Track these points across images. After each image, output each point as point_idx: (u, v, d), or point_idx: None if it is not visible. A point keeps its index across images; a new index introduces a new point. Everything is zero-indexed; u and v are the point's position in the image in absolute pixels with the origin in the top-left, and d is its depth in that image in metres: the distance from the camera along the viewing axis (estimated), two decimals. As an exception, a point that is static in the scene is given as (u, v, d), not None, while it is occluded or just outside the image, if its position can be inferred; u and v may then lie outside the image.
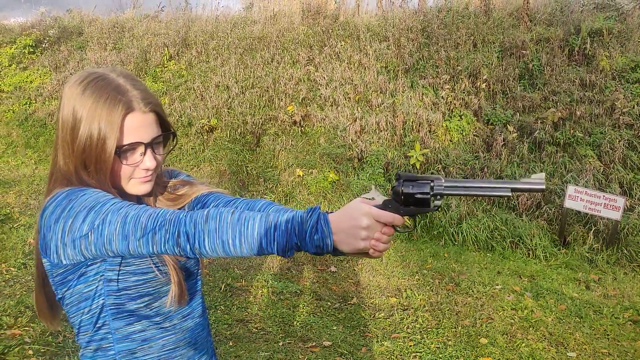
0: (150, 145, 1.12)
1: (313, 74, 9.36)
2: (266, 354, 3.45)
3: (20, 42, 12.17)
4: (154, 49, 10.80)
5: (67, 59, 11.45)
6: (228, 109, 9.15)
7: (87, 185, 1.09)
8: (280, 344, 3.62)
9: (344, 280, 4.95)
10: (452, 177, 6.99)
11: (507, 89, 8.29)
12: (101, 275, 1.09)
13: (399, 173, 1.09)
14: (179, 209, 1.28)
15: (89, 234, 0.99)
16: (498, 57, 8.72)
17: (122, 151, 1.09)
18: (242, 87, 9.48)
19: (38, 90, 10.87)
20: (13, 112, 10.72)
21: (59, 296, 1.13)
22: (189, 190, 1.30)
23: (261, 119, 8.83)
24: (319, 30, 10.25)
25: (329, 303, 4.41)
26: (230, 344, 3.56)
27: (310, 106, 8.80)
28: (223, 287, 4.48)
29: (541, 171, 6.94)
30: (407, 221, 1.12)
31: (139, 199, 1.22)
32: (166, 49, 10.65)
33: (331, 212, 1.01)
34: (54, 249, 1.05)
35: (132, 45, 11.18)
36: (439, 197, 1.06)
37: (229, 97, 9.31)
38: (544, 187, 1.02)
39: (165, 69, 10.40)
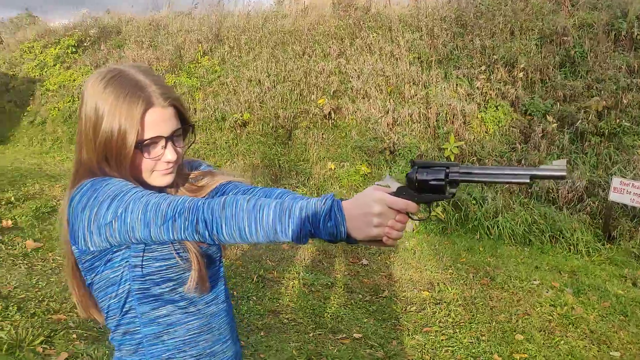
0: (171, 138, 1.15)
1: (344, 66, 9.28)
2: (296, 344, 3.43)
3: (63, 42, 12.59)
4: (187, 46, 10.94)
5: (106, 57, 11.75)
6: (260, 103, 9.18)
7: (110, 176, 1.12)
8: (311, 334, 3.59)
9: (376, 273, 4.88)
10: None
11: (547, 77, 7.99)
12: (126, 262, 1.12)
13: (413, 160, 1.07)
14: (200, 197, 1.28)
15: (113, 221, 1.02)
16: (537, 45, 8.42)
17: (143, 145, 1.11)
18: (274, 81, 9.49)
19: (80, 88, 11.20)
20: (58, 110, 11.12)
21: (89, 282, 1.17)
22: (210, 180, 1.32)
23: (293, 112, 8.82)
24: (350, 23, 10.15)
25: (360, 296, 4.35)
26: (262, 334, 3.56)
27: (341, 99, 8.74)
28: (255, 278, 4.49)
29: (583, 163, 6.68)
30: (422, 211, 1.09)
31: (160, 189, 1.23)
32: (200, 45, 10.78)
33: (345, 200, 1.00)
34: (81, 237, 1.08)
35: (167, 42, 11.37)
36: (454, 184, 1.02)
37: (261, 91, 9.34)
38: (565, 173, 0.95)
39: (199, 64, 10.53)
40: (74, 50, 12.34)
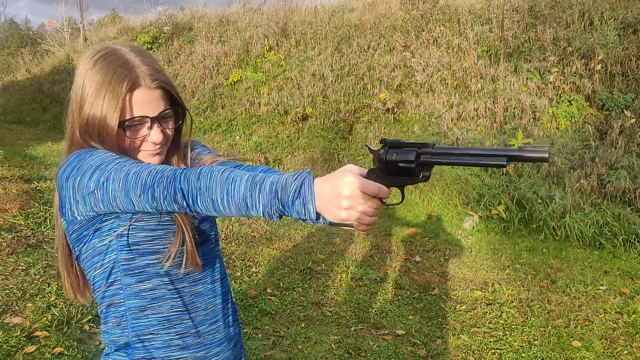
0: (157, 119, 1.14)
1: (409, 60, 9.10)
2: (336, 337, 3.42)
3: (140, 39, 13.27)
4: (255, 41, 11.18)
5: (178, 53, 12.27)
6: (323, 97, 9.22)
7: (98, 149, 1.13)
8: (352, 329, 3.57)
9: (428, 271, 4.77)
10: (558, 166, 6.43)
11: (628, 70, 7.41)
12: (114, 231, 1.12)
13: (384, 138, 0.98)
14: None
15: (96, 190, 1.03)
16: (619, 35, 7.82)
17: (126, 126, 1.11)
18: (338, 76, 9.49)
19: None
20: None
21: (77, 254, 1.18)
22: (205, 162, 1.30)
23: (355, 106, 8.78)
24: (417, 15, 9.93)
25: (408, 292, 4.27)
26: (303, 325, 3.58)
27: (405, 93, 8.58)
28: (303, 269, 4.53)
29: (664, 162, 6.14)
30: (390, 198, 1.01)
31: None
32: (266, 39, 10.97)
33: (319, 177, 0.94)
34: (67, 207, 1.10)
35: (235, 37, 11.68)
36: (427, 166, 0.93)
37: (325, 85, 9.38)
38: (546, 155, 0.85)
39: (265, 59, 10.73)
40: (149, 46, 12.98)
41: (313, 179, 0.93)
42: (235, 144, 9.26)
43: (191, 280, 1.21)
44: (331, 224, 0.97)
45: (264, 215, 0.93)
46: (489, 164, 0.90)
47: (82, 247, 1.15)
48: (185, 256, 1.15)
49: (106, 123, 1.09)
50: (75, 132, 1.16)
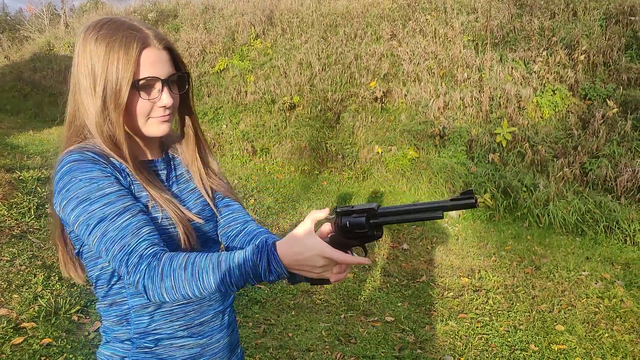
0: (167, 82, 1.11)
1: (396, 49, 9.11)
2: (326, 324, 3.47)
3: (123, 26, 13.06)
4: (241, 29, 11.09)
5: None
6: (310, 86, 9.20)
7: (102, 137, 1.09)
8: (342, 316, 3.62)
9: (416, 258, 4.83)
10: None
11: (610, 60, 7.52)
12: None
13: (336, 207, 1.08)
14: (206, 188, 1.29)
15: (75, 226, 1.04)
16: (601, 26, 7.92)
17: (140, 86, 1.08)
18: (325, 64, 9.47)
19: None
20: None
21: (77, 250, 1.16)
22: (221, 186, 1.33)
23: (342, 95, 8.79)
24: (404, 4, 9.94)
25: (397, 279, 4.32)
26: (293, 313, 3.62)
27: (392, 82, 8.60)
28: (292, 258, 4.55)
29: (645, 150, 6.26)
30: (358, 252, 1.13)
31: (164, 159, 1.24)
32: (252, 27, 10.89)
33: (280, 240, 1.01)
34: (60, 212, 1.08)
35: (221, 25, 11.56)
36: (378, 226, 1.03)
37: (312, 74, 9.35)
38: (473, 201, 0.94)
39: (252, 47, 10.65)
40: (133, 34, 12.80)
41: (276, 250, 0.99)
42: (222, 133, 9.21)
43: None
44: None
45: (239, 289, 1.03)
46: (428, 217, 0.99)
47: (83, 247, 1.14)
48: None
49: (122, 84, 1.05)
50: (77, 115, 1.12)
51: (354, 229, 1.03)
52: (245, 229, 1.29)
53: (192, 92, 1.26)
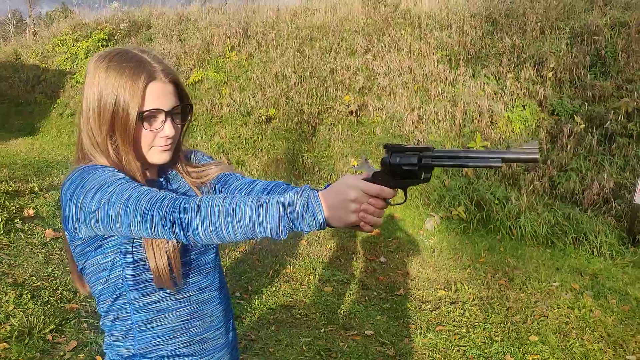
0: (170, 114, 1.17)
1: (371, 63, 9.25)
2: (307, 339, 3.48)
3: (95, 36, 12.90)
4: (216, 40, 11.07)
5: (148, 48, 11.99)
6: (286, 98, 9.25)
7: (108, 159, 1.15)
8: (322, 330, 3.64)
9: (393, 271, 4.89)
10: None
11: (576, 77, 7.81)
12: (117, 248, 1.13)
13: (387, 143, 1.06)
14: (202, 184, 1.32)
15: (97, 212, 1.04)
16: (567, 44, 8.23)
17: (144, 117, 1.13)
18: (300, 77, 9.54)
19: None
20: (87, 102, 11.39)
21: (80, 267, 1.20)
22: (211, 168, 1.35)
23: (318, 108, 8.86)
24: (379, 19, 10.11)
25: (375, 293, 4.37)
26: (273, 328, 3.62)
27: (367, 96, 8.73)
28: (271, 273, 4.56)
29: (610, 165, 6.52)
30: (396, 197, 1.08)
31: (162, 172, 1.27)
32: (228, 40, 10.90)
33: (321, 190, 1.01)
34: (71, 223, 1.11)
35: (195, 36, 11.53)
36: (428, 168, 1.02)
37: (287, 87, 9.41)
38: (537, 156, 0.94)
39: (227, 59, 10.65)
40: (104, 43, 12.64)
41: (317, 192, 0.99)
42: (197, 145, 9.15)
43: (197, 289, 1.24)
44: (337, 227, 1.03)
45: (271, 235, 0.97)
46: (485, 165, 0.97)
47: (86, 262, 1.17)
48: (156, 275, 1.16)
49: (128, 113, 1.11)
50: (85, 140, 1.17)
51: (404, 165, 1.00)
52: (255, 189, 1.27)
53: (191, 120, 1.31)
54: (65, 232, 1.17)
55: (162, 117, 1.16)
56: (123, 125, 1.12)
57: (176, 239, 1.00)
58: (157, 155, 1.19)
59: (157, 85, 1.14)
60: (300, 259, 4.99)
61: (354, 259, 5.09)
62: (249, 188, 1.26)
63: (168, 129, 1.17)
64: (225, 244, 3.72)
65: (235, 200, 0.98)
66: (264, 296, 4.10)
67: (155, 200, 1.00)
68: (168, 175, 1.31)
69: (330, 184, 1.03)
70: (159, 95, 1.14)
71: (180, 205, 0.99)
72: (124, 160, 1.14)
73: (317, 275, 4.58)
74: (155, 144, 1.18)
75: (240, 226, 0.97)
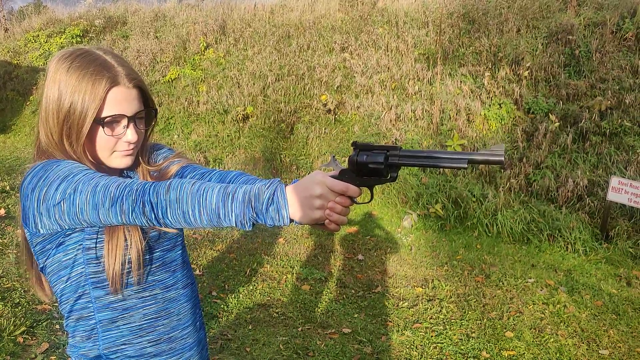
0: (133, 119, 1.14)
1: (349, 61, 9.25)
2: (284, 338, 3.45)
3: (69, 32, 12.61)
4: (193, 37, 10.94)
5: (111, 48, 11.77)
6: (264, 96, 9.18)
7: (68, 158, 1.11)
8: (300, 329, 3.61)
9: (371, 269, 4.89)
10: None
11: (551, 76, 7.92)
12: (80, 244, 1.10)
13: (355, 142, 1.04)
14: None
15: (62, 202, 1.01)
16: (543, 44, 8.34)
17: (104, 123, 1.10)
18: (278, 75, 9.48)
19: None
20: (60, 100, 11.14)
21: (41, 265, 1.16)
22: (171, 164, 1.31)
23: (295, 106, 8.82)
24: (357, 17, 10.11)
25: (352, 291, 4.36)
26: (250, 327, 3.58)
27: (345, 94, 8.72)
28: (248, 271, 4.51)
29: (584, 162, 6.63)
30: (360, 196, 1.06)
31: (121, 172, 1.24)
32: (204, 37, 10.77)
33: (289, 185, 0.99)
34: (31, 219, 1.07)
35: (171, 33, 11.37)
36: (394, 167, 1.00)
37: (265, 85, 9.34)
38: (502, 158, 0.93)
39: (204, 57, 10.53)
40: (79, 40, 12.37)
41: (285, 186, 0.97)
42: (174, 143, 9.03)
43: (163, 287, 1.21)
44: (302, 223, 1.01)
45: (236, 225, 0.95)
46: (451, 166, 0.96)
47: (47, 260, 1.13)
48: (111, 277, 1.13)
49: (84, 118, 1.08)
50: (43, 137, 1.14)
51: (370, 164, 0.99)
52: (212, 180, 1.24)
53: (155, 125, 1.28)
54: (25, 230, 1.14)
55: (124, 122, 1.14)
56: (77, 129, 1.09)
57: (147, 223, 0.98)
58: (118, 159, 1.17)
59: (119, 90, 1.11)
60: (278, 257, 4.95)
61: (332, 257, 5.07)
62: (205, 179, 1.24)
63: (131, 134, 1.14)
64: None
65: (203, 187, 0.96)
66: (241, 295, 4.05)
67: (124, 186, 0.98)
68: (130, 176, 1.28)
69: (298, 180, 1.01)
70: (121, 101, 1.12)
71: (149, 188, 0.97)
72: (82, 161, 1.12)
73: (294, 274, 4.55)
74: (118, 149, 1.16)
75: (205, 212, 0.95)
